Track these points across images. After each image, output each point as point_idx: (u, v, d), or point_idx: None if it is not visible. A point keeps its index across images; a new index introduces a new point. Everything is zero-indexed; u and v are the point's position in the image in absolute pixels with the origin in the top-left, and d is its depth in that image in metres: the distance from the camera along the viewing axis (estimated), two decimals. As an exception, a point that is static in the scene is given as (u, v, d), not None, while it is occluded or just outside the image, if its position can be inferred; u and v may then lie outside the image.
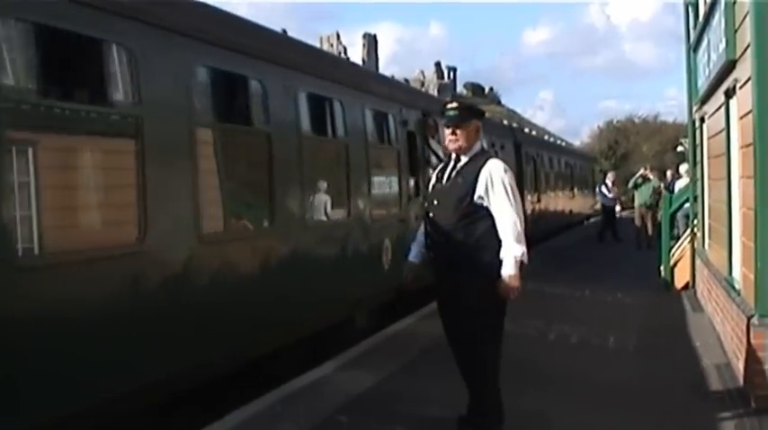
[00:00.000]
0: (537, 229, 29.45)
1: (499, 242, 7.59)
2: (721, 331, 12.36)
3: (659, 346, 12.78)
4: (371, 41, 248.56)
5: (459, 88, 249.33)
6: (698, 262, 17.34)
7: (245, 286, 10.23)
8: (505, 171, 7.75)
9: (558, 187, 41.11)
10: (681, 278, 18.81)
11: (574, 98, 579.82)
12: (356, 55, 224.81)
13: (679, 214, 21.25)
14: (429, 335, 12.97)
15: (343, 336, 12.93)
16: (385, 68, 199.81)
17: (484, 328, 7.81)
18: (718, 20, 11.63)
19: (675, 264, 19.11)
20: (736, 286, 10.96)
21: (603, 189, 34.20)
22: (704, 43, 14.06)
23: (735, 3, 10.56)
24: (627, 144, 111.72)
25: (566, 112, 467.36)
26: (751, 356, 9.16)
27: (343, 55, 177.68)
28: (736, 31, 10.51)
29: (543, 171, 36.43)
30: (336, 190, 13.66)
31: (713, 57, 12.61)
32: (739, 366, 10.10)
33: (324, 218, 13.14)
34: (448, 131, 7.96)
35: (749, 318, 9.27)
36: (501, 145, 26.81)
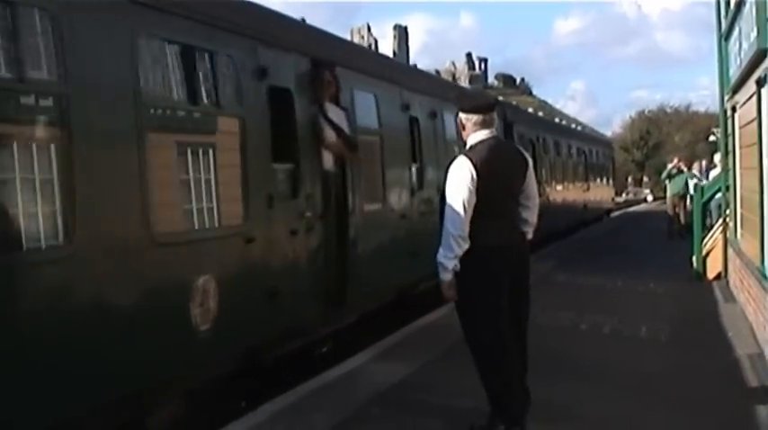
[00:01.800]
0: (539, 228, 25.11)
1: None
2: (754, 321, 12.33)
3: (692, 337, 12.77)
4: (402, 33, 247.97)
5: (491, 79, 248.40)
6: (730, 252, 17.27)
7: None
8: (457, 167, 7.64)
9: (568, 177, 35.22)
10: (713, 268, 18.73)
11: (605, 88, 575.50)
12: (387, 47, 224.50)
13: (712, 204, 21.17)
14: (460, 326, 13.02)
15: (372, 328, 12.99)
16: (416, 60, 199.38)
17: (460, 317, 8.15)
18: (750, 8, 11.58)
19: (708, 255, 19.03)
20: (769, 276, 10.93)
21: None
22: (736, 32, 14.01)
23: (766, -9, 10.52)
24: (659, 134, 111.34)
25: (597, 102, 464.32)
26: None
27: (373, 47, 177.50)
28: (767, 19, 10.47)
29: (546, 158, 30.77)
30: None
31: (744, 46, 12.56)
32: (772, 356, 10.09)
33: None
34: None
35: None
36: None
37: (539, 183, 26.03)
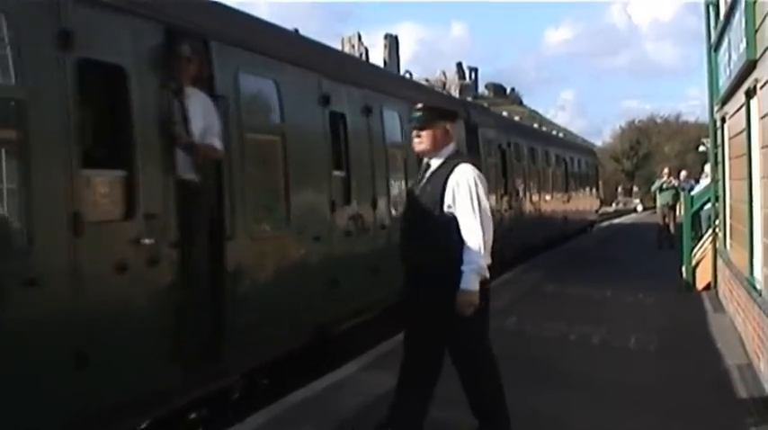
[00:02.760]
0: (510, 244, 23.02)
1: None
2: (743, 331, 12.34)
3: (681, 347, 12.77)
4: (393, 42, 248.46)
5: (481, 89, 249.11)
6: (719, 262, 17.29)
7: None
8: (475, 177, 7.32)
9: (545, 188, 32.25)
10: (702, 278, 18.74)
11: (595, 98, 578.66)
12: (378, 56, 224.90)
13: (702, 214, 21.19)
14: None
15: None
16: (406, 69, 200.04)
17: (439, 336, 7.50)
18: (739, 19, 11.61)
19: (697, 265, 19.05)
20: (758, 286, 10.93)
21: None
22: (725, 43, 14.04)
23: (755, 2, 10.54)
24: (649, 144, 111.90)
25: (587, 112, 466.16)
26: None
27: (364, 56, 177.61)
28: (756, 30, 10.50)
29: (520, 166, 27.74)
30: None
31: (734, 56, 12.59)
32: (761, 366, 10.10)
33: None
34: (413, 133, 7.61)
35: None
36: None
37: (509, 194, 25.30)
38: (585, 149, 54.32)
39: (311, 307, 11.59)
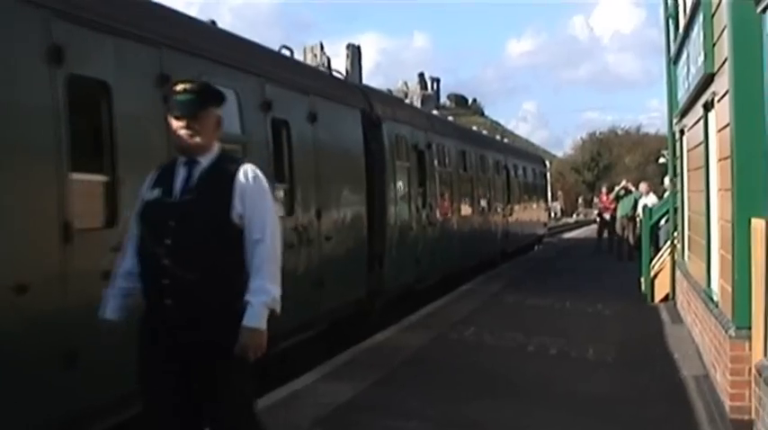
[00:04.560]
0: (429, 269, 20.07)
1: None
2: (700, 343, 12.40)
3: (638, 358, 12.81)
4: (355, 52, 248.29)
5: (443, 99, 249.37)
6: (678, 274, 17.37)
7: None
8: (266, 181, 5.89)
9: (479, 199, 27.34)
10: (661, 290, 18.83)
11: (557, 109, 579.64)
12: (340, 65, 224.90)
13: (662, 229, 21.30)
14: (410, 346, 13.06)
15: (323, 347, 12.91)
16: (369, 79, 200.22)
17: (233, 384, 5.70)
18: (697, 33, 11.68)
19: (656, 276, 19.15)
20: (715, 298, 10.99)
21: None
22: (684, 56, 14.12)
23: (713, 16, 10.62)
24: (609, 155, 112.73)
25: (549, 124, 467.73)
26: (728, 368, 9.19)
27: (325, 66, 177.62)
28: (714, 44, 10.57)
29: (444, 172, 22.70)
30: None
31: (692, 70, 12.66)
32: (717, 377, 10.14)
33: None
34: (180, 123, 5.75)
35: (726, 330, 9.30)
36: (330, 117, 14.43)
37: (428, 207, 20.27)
38: (532, 156, 49.66)
39: None
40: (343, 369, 11.76)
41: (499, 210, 30.40)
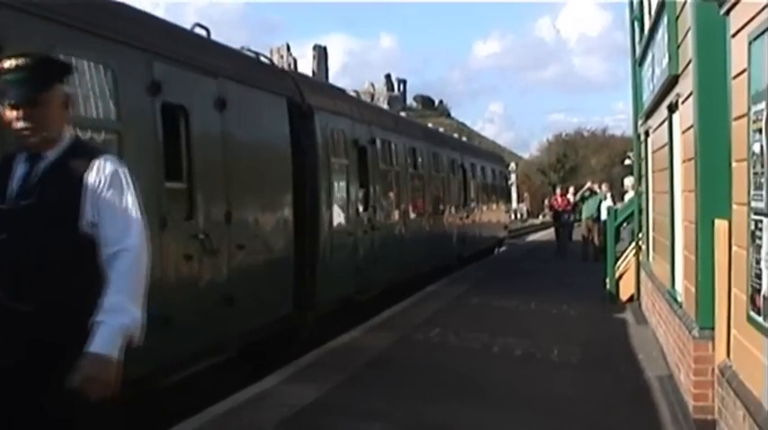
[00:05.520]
0: (372, 279, 17.96)
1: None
2: (664, 343, 12.44)
3: (603, 359, 12.84)
4: (321, 53, 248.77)
5: (410, 100, 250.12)
6: (642, 274, 17.44)
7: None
8: (129, 177, 4.67)
9: (433, 200, 25.11)
10: (626, 291, 18.90)
11: (523, 111, 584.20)
12: (306, 67, 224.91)
13: (626, 229, 21.37)
14: (374, 347, 13.02)
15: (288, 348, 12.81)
16: (335, 80, 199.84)
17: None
18: (662, 35, 11.72)
19: (621, 277, 19.22)
20: (679, 299, 11.04)
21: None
22: (649, 58, 14.18)
23: (678, 18, 10.66)
24: (575, 157, 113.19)
25: (515, 125, 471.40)
26: (692, 368, 9.22)
27: (292, 67, 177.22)
28: (678, 46, 10.62)
29: (390, 172, 20.44)
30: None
31: (657, 71, 12.71)
32: (681, 378, 10.18)
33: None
34: (14, 114, 4.49)
35: (690, 331, 9.34)
36: (245, 105, 12.17)
37: (372, 209, 18.11)
38: (492, 155, 46.56)
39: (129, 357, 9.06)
40: (308, 370, 11.70)
41: (455, 212, 28.36)
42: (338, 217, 15.97)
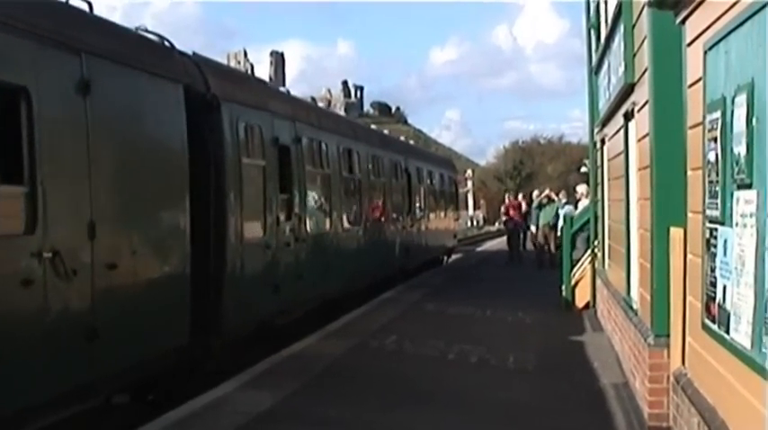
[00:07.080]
0: (296, 298, 15.60)
1: None
2: (620, 350, 12.49)
3: (558, 366, 12.86)
4: (279, 59, 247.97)
5: (366, 107, 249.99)
6: (598, 282, 17.51)
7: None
8: None
9: (371, 207, 22.98)
10: (582, 298, 18.96)
11: (480, 118, 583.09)
12: (263, 72, 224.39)
13: (580, 236, 21.43)
14: (331, 354, 12.97)
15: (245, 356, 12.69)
16: (293, 86, 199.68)
17: None
18: (618, 44, 11.77)
19: (576, 284, 19.27)
20: (634, 306, 11.08)
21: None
22: (605, 66, 14.24)
23: (634, 27, 10.72)
24: (532, 164, 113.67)
25: (472, 132, 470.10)
26: (647, 376, 9.25)
27: (250, 72, 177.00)
28: (634, 55, 10.67)
29: (318, 176, 18.17)
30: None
31: (613, 80, 12.77)
32: (636, 385, 10.21)
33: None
34: None
35: (645, 338, 9.37)
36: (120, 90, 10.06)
37: (295, 218, 15.53)
38: (441, 159, 44.06)
39: None
40: (263, 377, 11.64)
41: (398, 220, 26.26)
42: (252, 227, 13.75)
